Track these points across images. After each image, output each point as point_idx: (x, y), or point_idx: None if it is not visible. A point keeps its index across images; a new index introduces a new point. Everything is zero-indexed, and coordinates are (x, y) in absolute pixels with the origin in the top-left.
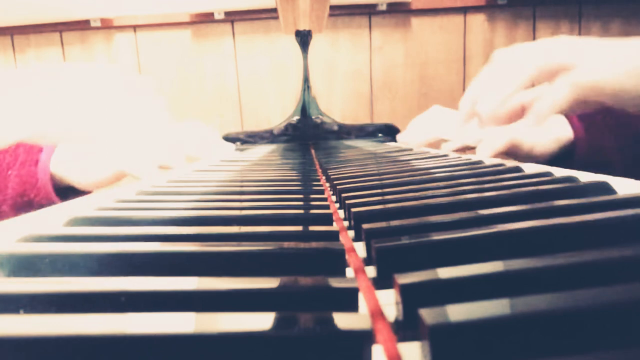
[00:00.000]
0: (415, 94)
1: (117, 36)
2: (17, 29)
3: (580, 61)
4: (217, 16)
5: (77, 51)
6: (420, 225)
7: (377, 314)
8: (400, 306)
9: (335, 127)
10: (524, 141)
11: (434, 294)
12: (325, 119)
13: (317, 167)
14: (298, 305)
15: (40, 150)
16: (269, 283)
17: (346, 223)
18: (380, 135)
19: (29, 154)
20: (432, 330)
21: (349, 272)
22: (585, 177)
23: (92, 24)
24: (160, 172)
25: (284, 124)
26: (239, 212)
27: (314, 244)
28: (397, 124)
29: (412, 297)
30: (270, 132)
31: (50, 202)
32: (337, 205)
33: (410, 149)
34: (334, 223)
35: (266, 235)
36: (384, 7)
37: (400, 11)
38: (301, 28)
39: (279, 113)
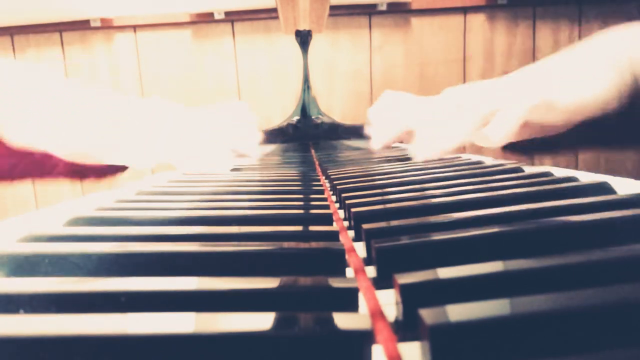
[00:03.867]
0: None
1: (117, 36)
2: (17, 29)
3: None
4: (217, 16)
5: (77, 51)
6: (420, 225)
7: (377, 314)
8: (400, 306)
9: (336, 127)
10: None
11: (434, 294)
12: (325, 119)
13: (317, 167)
14: (298, 305)
15: None
16: (269, 283)
17: (346, 223)
18: None
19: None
20: (432, 330)
21: (349, 272)
22: (585, 177)
23: (92, 24)
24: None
25: (284, 124)
26: (239, 212)
27: (314, 244)
28: None
29: (412, 297)
30: (270, 132)
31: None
32: (337, 205)
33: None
34: (334, 223)
35: (266, 235)
36: (384, 7)
37: (400, 11)
38: (301, 28)
39: (279, 113)
